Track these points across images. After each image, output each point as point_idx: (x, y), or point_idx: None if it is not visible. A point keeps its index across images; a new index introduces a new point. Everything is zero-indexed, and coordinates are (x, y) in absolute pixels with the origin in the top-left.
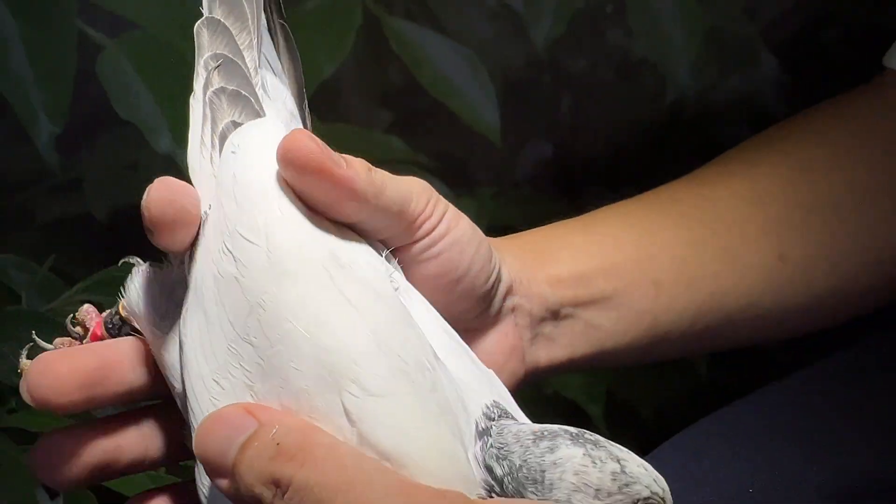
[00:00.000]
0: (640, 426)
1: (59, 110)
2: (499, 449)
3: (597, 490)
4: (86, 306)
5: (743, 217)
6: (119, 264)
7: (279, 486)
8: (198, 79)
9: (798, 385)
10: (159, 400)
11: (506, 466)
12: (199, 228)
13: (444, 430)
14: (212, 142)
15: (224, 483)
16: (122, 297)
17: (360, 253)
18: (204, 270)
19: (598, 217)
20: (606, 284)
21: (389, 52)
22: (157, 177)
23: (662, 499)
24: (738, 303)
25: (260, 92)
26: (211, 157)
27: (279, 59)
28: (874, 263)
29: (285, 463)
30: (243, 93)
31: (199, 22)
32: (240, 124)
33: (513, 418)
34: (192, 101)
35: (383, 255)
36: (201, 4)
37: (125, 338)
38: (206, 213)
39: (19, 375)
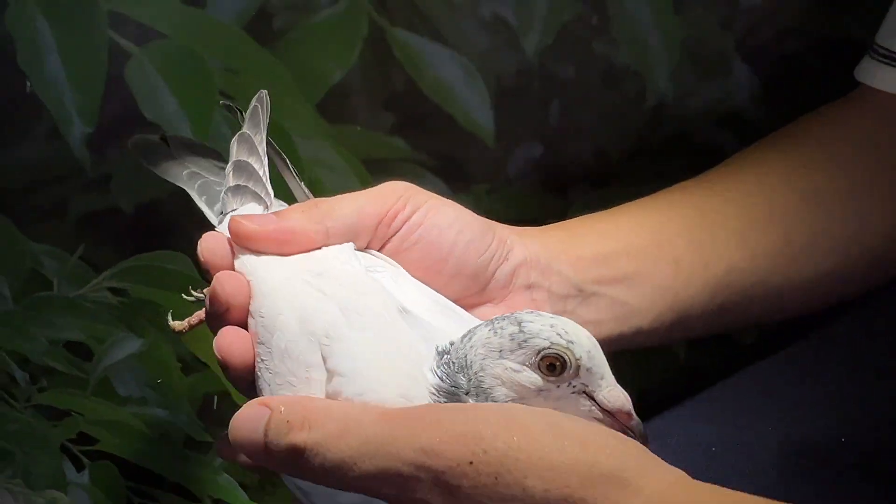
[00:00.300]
0: None
1: (90, 112)
2: (450, 357)
3: (500, 352)
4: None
5: (751, 206)
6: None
7: (299, 450)
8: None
9: (767, 366)
10: None
11: (450, 367)
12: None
13: (394, 353)
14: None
15: (264, 460)
16: None
17: (332, 261)
18: None
19: (620, 210)
20: (629, 264)
21: (393, 60)
22: None
23: (567, 348)
24: (749, 280)
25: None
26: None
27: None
28: (867, 248)
29: (297, 432)
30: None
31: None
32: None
33: None
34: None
35: (370, 252)
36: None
37: None
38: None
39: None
